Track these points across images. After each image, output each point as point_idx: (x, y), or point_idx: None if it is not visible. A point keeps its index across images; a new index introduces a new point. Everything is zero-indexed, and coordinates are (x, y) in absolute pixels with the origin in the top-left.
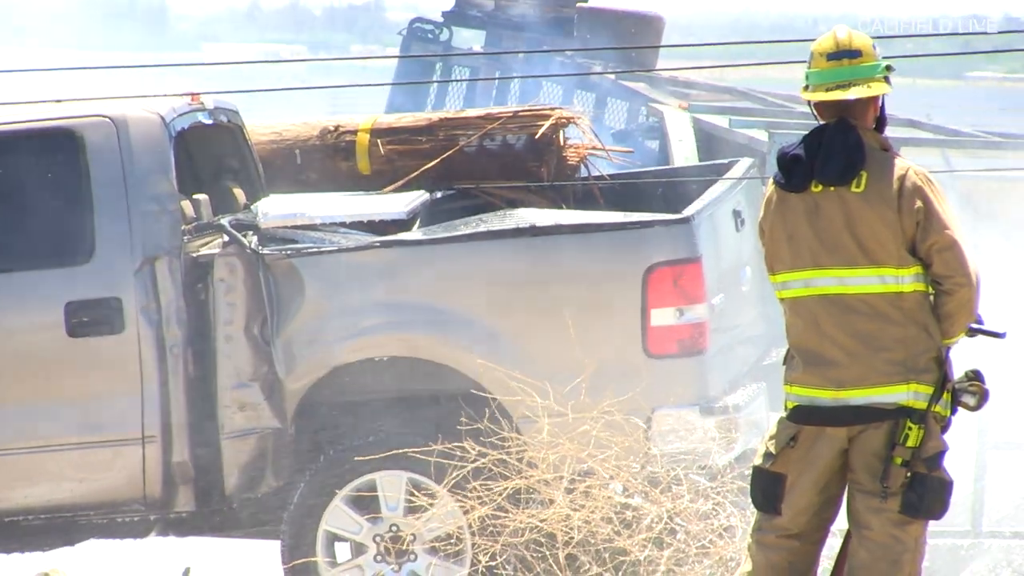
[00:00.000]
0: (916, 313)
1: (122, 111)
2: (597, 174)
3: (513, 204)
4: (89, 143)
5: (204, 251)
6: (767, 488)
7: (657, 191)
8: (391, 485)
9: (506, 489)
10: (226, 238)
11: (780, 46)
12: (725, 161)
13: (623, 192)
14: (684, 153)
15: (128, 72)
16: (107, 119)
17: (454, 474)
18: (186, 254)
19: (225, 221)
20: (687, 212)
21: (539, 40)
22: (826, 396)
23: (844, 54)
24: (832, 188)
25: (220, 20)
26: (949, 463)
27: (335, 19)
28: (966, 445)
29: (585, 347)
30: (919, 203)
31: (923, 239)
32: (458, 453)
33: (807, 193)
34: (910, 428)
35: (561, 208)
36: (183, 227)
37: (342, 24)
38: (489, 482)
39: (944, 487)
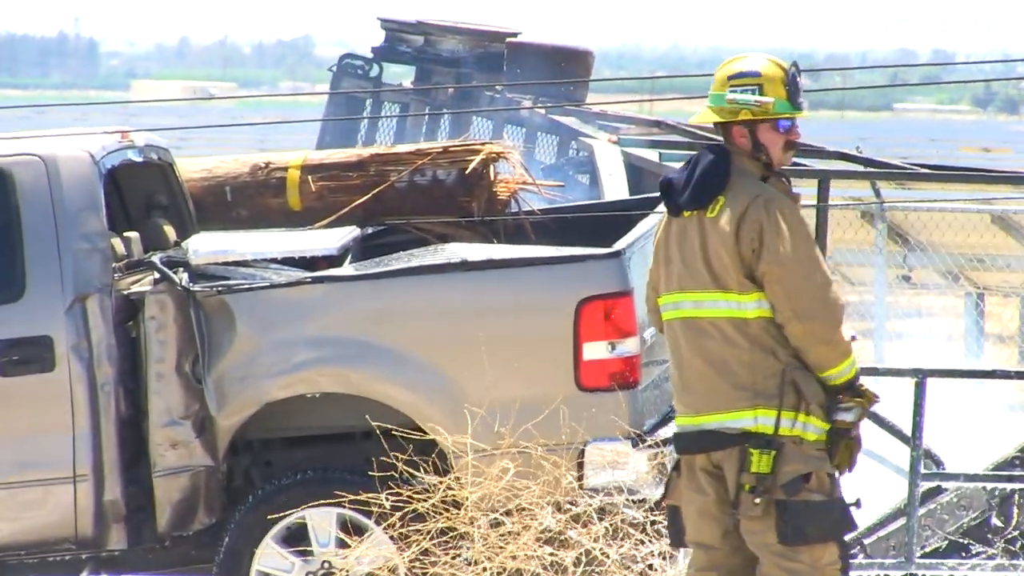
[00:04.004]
0: (762, 338)
1: (52, 149)
2: (528, 208)
3: (444, 239)
4: (19, 181)
5: (135, 289)
6: (669, 522)
7: (588, 225)
8: (322, 522)
9: (432, 530)
10: (157, 275)
11: (709, 80)
12: (656, 195)
13: (554, 226)
14: (614, 187)
15: (58, 109)
16: (37, 157)
17: (386, 510)
18: (117, 292)
19: (156, 258)
20: (618, 246)
21: (469, 76)
22: (687, 423)
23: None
24: (695, 213)
25: (150, 57)
26: (882, 494)
27: (264, 56)
28: (896, 478)
29: (517, 382)
30: (756, 230)
31: (756, 266)
32: (394, 489)
33: (681, 217)
34: (751, 454)
35: (492, 243)
36: (114, 265)
37: (271, 60)
38: (417, 522)
39: (812, 510)
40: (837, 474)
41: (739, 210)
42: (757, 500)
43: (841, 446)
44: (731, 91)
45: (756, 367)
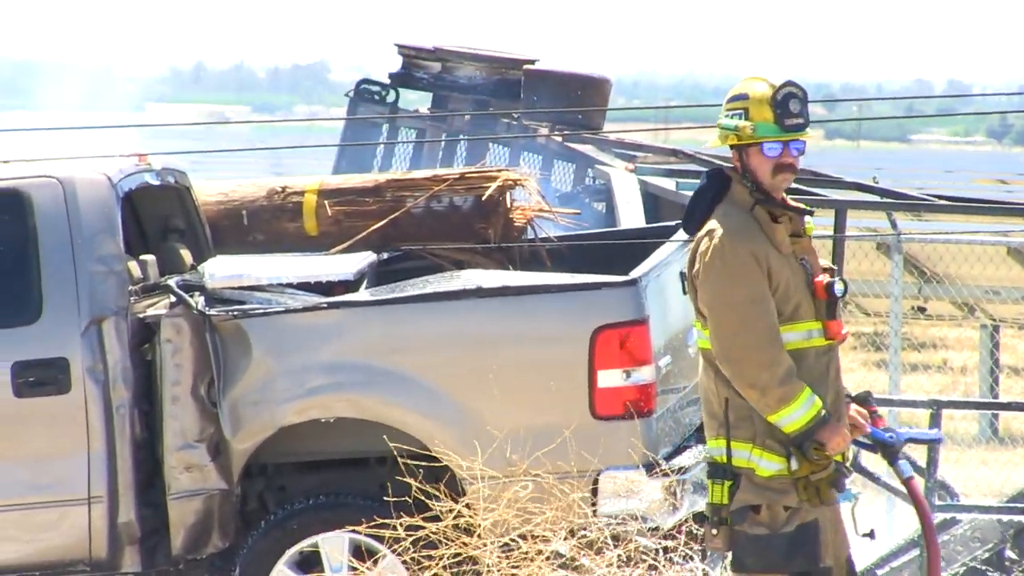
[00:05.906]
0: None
1: (70, 172)
2: (544, 236)
3: (460, 265)
4: (37, 204)
5: (151, 312)
6: None
7: (604, 253)
8: (334, 547)
9: (445, 556)
10: (173, 299)
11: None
12: (672, 223)
13: (570, 254)
14: (631, 215)
15: (75, 132)
16: (55, 180)
17: (399, 536)
18: (133, 315)
19: (172, 282)
20: (634, 274)
21: (486, 102)
22: None
23: None
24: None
25: (165, 81)
26: (895, 525)
27: (279, 80)
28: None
29: (531, 409)
30: (698, 265)
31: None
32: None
33: None
34: (709, 483)
35: (508, 269)
36: (130, 288)
37: (287, 85)
38: (430, 549)
39: (752, 542)
40: (807, 506)
41: (695, 242)
42: (715, 531)
43: (799, 486)
44: (723, 116)
45: (720, 396)
